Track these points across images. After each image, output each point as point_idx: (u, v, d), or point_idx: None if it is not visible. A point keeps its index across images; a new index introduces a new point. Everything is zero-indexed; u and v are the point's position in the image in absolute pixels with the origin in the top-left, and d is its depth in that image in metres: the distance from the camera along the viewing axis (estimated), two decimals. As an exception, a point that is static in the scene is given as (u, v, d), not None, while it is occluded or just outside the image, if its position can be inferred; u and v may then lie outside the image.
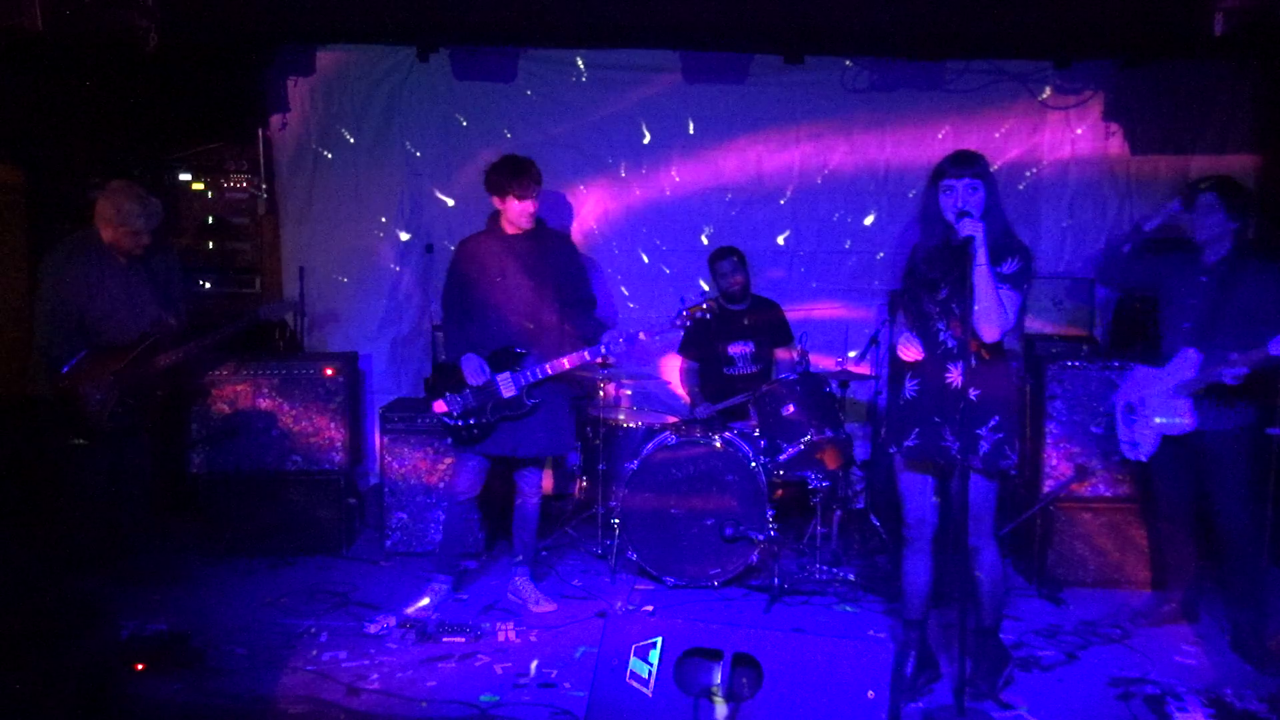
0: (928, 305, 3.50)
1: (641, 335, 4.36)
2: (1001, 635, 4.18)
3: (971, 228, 3.25)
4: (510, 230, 4.41)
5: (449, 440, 4.51)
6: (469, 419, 4.32)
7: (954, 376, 3.41)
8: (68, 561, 4.51)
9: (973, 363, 3.37)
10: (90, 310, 4.51)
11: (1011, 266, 3.37)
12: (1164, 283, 4.15)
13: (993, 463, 3.42)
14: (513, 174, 4.33)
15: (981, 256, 3.25)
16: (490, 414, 4.31)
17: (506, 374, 4.29)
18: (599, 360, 4.56)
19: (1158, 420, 4.09)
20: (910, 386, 3.54)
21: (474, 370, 4.30)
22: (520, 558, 4.60)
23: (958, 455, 3.34)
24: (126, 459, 4.68)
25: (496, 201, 4.39)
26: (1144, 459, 4.19)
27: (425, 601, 4.42)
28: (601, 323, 4.71)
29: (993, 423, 3.41)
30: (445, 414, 4.35)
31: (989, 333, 3.33)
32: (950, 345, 3.43)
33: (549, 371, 4.29)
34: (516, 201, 4.32)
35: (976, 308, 3.28)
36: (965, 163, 3.43)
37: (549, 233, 4.56)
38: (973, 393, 3.39)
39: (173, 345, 4.66)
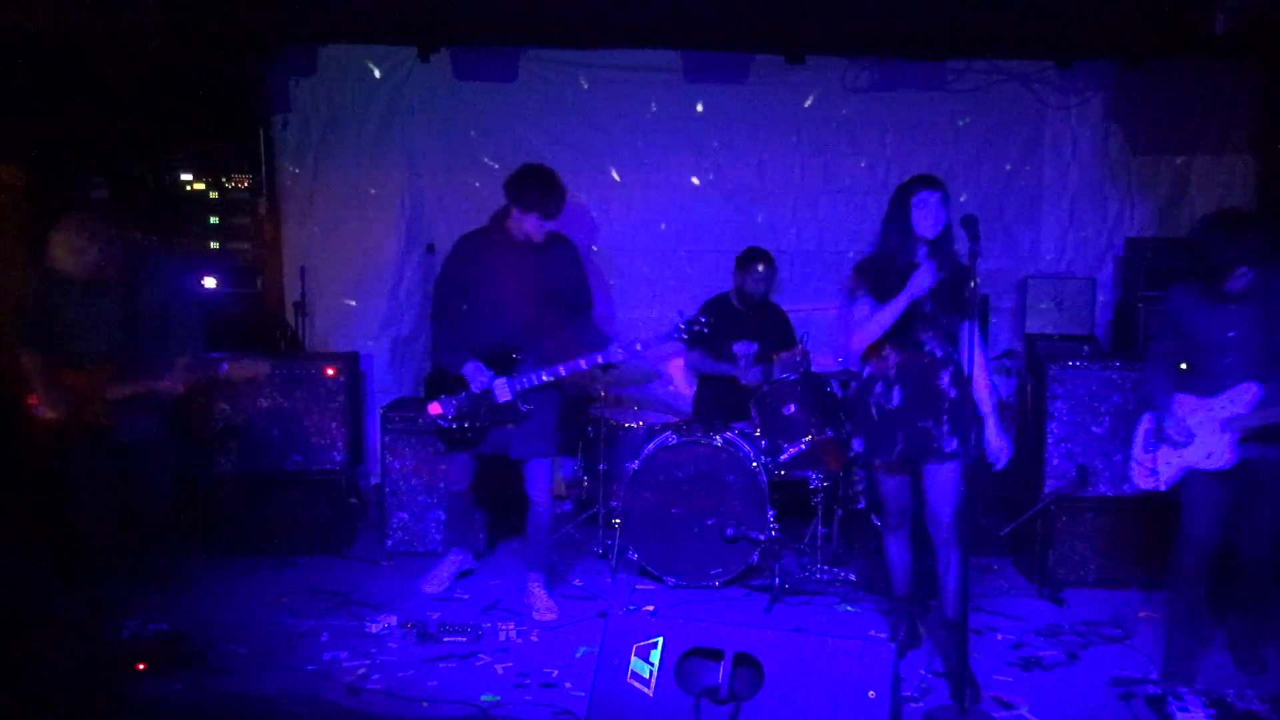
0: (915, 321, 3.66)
1: (639, 347, 4.33)
2: (1003, 635, 4.22)
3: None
4: (518, 237, 4.33)
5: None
6: (462, 422, 4.31)
7: (944, 381, 3.65)
8: (71, 566, 4.44)
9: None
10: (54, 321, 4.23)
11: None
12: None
13: (980, 449, 3.68)
14: (544, 192, 4.25)
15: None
16: (483, 418, 4.29)
17: (502, 379, 4.25)
18: (594, 368, 4.46)
19: (1188, 453, 3.74)
20: (896, 395, 3.67)
21: (475, 376, 4.27)
22: (533, 563, 4.58)
23: (959, 449, 3.62)
24: (137, 470, 4.46)
25: (516, 210, 4.30)
26: (1163, 489, 3.86)
27: (452, 569, 4.64)
28: (597, 327, 4.66)
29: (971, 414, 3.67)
30: (440, 416, 4.34)
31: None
32: (938, 354, 3.66)
33: (545, 379, 4.25)
34: (539, 220, 4.27)
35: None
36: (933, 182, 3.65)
37: (552, 237, 4.45)
38: (954, 392, 3.65)
39: (127, 378, 4.22)
